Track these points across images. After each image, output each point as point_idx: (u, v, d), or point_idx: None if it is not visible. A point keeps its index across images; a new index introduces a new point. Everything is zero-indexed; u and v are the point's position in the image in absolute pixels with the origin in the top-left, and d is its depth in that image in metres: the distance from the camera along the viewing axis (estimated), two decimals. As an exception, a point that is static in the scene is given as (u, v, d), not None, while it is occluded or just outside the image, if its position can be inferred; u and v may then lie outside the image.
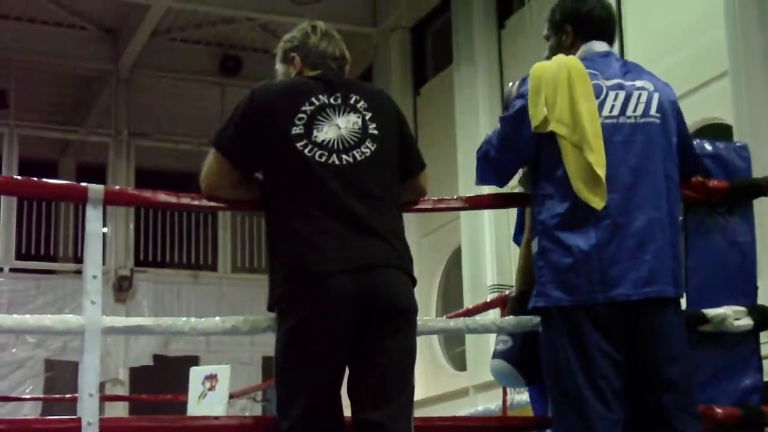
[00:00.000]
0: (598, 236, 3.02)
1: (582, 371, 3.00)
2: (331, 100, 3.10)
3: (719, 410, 3.32)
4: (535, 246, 3.17)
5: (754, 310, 3.41)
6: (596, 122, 3.08)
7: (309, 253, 2.92)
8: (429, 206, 3.44)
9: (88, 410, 2.88)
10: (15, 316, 3.02)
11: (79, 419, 2.88)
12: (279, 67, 3.31)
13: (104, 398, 11.59)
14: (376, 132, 3.10)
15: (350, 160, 3.03)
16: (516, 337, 3.38)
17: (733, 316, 3.37)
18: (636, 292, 3.01)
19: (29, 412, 12.46)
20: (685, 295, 3.49)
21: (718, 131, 7.98)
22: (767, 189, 3.50)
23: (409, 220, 3.15)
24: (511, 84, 3.32)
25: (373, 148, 3.07)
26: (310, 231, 2.94)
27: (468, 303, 9.86)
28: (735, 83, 7.51)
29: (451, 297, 11.87)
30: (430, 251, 11.84)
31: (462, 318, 3.35)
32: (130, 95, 14.35)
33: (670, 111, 3.22)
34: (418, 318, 3.08)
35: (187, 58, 14.44)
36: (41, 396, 12.43)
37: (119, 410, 12.57)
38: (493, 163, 3.28)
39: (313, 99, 3.08)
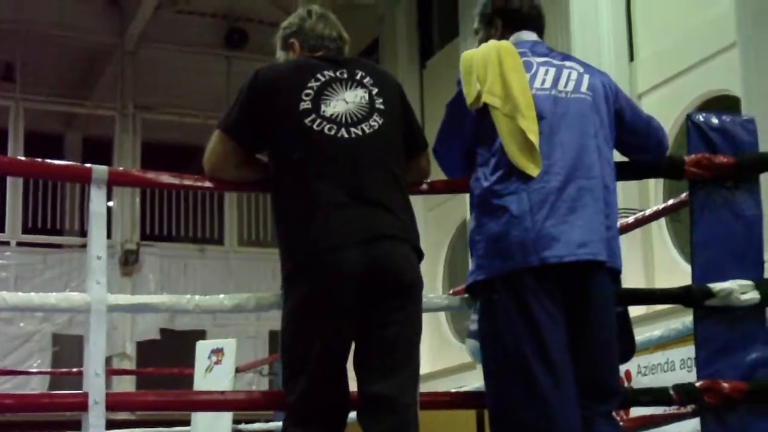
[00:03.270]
0: (531, 200, 3.04)
1: (530, 342, 2.98)
2: (338, 74, 3.10)
3: (726, 384, 3.31)
4: (471, 222, 3.19)
5: (761, 284, 3.39)
6: (527, 92, 3.13)
7: (315, 226, 2.92)
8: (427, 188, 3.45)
9: (94, 389, 2.90)
10: (20, 294, 3.02)
11: (85, 395, 2.89)
12: (280, 55, 3.31)
13: (111, 372, 11.62)
14: (382, 107, 3.10)
15: (359, 133, 3.03)
16: None
17: (740, 290, 3.36)
18: (569, 254, 3.01)
19: (37, 386, 12.53)
20: (691, 269, 3.49)
21: (726, 104, 7.94)
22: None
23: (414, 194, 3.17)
24: None
25: (380, 122, 3.07)
26: (316, 205, 2.94)
27: (474, 276, 9.84)
28: (743, 55, 7.46)
29: (457, 271, 11.88)
30: (435, 225, 11.84)
31: (466, 295, 3.33)
32: (135, 68, 14.33)
33: (603, 92, 3.27)
34: (423, 294, 3.08)
35: (192, 31, 14.41)
36: (49, 370, 12.49)
37: (126, 384, 12.64)
38: (444, 151, 3.34)
39: (319, 75, 3.08)
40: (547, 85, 3.19)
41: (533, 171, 3.06)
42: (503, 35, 3.35)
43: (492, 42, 3.27)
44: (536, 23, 3.39)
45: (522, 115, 3.09)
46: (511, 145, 3.08)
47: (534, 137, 3.07)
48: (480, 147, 3.19)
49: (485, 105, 3.14)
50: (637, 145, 3.41)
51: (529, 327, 2.99)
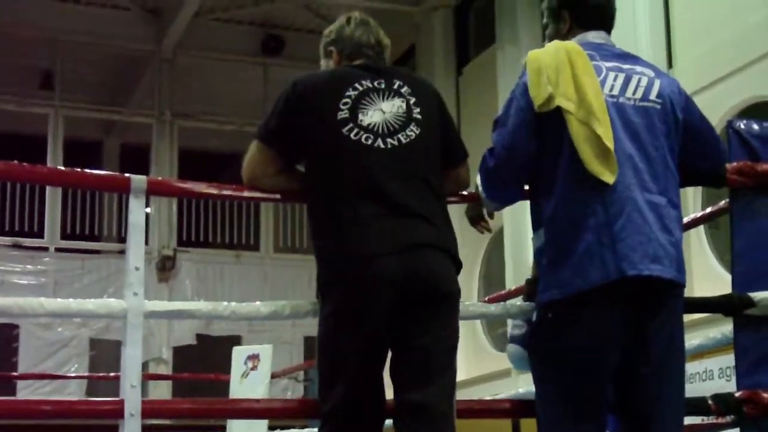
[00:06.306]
0: (607, 212, 2.93)
1: (591, 368, 2.93)
2: (375, 84, 3.10)
3: (765, 395, 3.27)
4: (537, 240, 3.07)
5: (802, 295, 3.35)
6: (600, 97, 3.00)
7: (353, 236, 2.92)
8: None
9: (130, 401, 2.90)
10: (59, 300, 3.04)
11: (121, 402, 2.90)
12: (322, 63, 3.31)
13: (147, 377, 11.72)
14: (419, 117, 3.09)
15: (395, 143, 3.02)
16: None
17: (781, 300, 3.32)
18: (646, 268, 2.91)
19: (74, 390, 12.64)
20: (731, 279, 3.45)
21: (767, 111, 7.87)
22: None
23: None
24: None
25: (417, 132, 3.06)
26: (354, 214, 2.93)
27: (510, 285, 9.81)
28: (784, 62, 7.40)
29: (493, 279, 11.83)
30: (471, 232, 11.76)
31: (503, 302, 3.32)
32: (173, 76, 14.43)
33: (671, 99, 3.13)
34: (460, 302, 3.06)
35: (229, 39, 14.48)
36: (86, 374, 12.59)
37: (162, 389, 12.70)
38: (502, 163, 3.10)
39: (357, 84, 3.08)
40: (615, 91, 3.05)
41: (609, 178, 2.93)
42: (571, 29, 3.20)
43: (556, 42, 3.14)
44: (606, 16, 3.23)
45: (598, 120, 2.96)
46: (587, 152, 2.94)
47: (610, 143, 2.94)
48: (543, 160, 3.04)
49: (551, 111, 2.99)
50: (700, 153, 3.24)
51: (596, 352, 2.92)
